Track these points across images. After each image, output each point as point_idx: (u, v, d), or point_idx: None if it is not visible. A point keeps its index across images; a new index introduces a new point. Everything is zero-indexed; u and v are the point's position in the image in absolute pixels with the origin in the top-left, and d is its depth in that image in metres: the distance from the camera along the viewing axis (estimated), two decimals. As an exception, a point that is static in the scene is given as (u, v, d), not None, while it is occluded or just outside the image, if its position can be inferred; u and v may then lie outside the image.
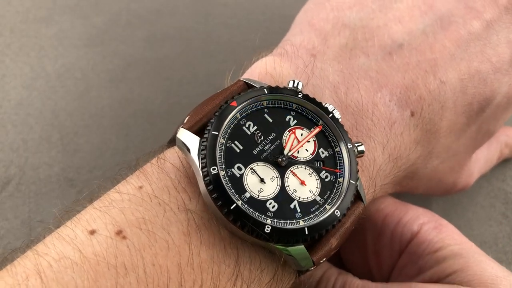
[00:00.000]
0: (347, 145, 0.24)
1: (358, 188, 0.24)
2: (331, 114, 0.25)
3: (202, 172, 0.22)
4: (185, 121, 0.23)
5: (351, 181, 0.24)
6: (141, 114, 0.43)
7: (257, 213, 0.22)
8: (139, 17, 0.49)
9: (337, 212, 0.23)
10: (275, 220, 0.22)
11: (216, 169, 0.22)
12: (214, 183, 0.21)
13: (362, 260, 0.33)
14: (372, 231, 0.32)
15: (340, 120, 0.25)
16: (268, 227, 0.21)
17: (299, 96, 0.25)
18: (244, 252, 0.22)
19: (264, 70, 0.27)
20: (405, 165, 0.29)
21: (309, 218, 0.23)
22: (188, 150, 0.22)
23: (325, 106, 0.25)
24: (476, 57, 0.29)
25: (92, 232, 0.19)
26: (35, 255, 0.19)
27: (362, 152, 0.25)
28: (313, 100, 0.25)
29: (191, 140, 0.23)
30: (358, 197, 0.24)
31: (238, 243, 0.22)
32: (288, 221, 0.22)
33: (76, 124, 0.42)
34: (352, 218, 0.24)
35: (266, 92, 0.25)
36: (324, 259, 0.23)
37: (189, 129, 0.23)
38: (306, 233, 0.22)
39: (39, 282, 0.18)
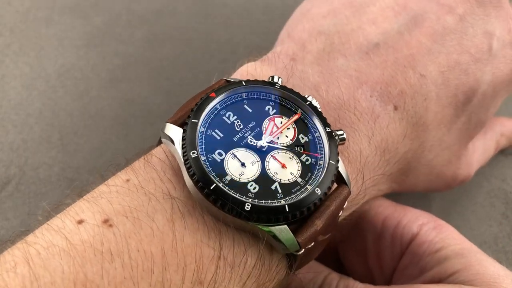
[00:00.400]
0: (325, 129, 0.25)
1: (340, 170, 0.24)
2: (309, 102, 0.26)
3: (183, 158, 0.22)
4: (171, 117, 0.24)
5: (330, 161, 0.24)
6: (141, 114, 0.43)
7: (238, 194, 0.22)
8: (139, 17, 0.49)
9: (317, 190, 0.23)
10: (256, 200, 0.22)
11: (196, 153, 0.23)
12: (194, 166, 0.22)
13: (363, 263, 0.33)
14: (372, 234, 0.32)
15: (318, 108, 0.26)
16: (248, 205, 0.22)
17: (276, 87, 0.26)
18: (228, 235, 0.22)
19: (246, 72, 0.28)
20: (394, 159, 0.29)
21: (290, 198, 0.23)
22: (172, 141, 0.23)
23: (303, 96, 0.26)
24: (454, 49, 0.30)
25: (80, 222, 0.20)
26: (24, 244, 0.19)
27: (342, 137, 0.25)
28: (291, 90, 0.26)
29: (174, 132, 0.24)
30: (342, 181, 0.25)
31: (221, 226, 0.22)
32: (270, 201, 0.22)
33: (76, 124, 0.42)
34: (337, 202, 0.24)
35: (244, 84, 0.26)
36: (312, 243, 0.23)
37: (173, 122, 0.24)
38: (287, 210, 0.22)
39: (27, 269, 0.18)
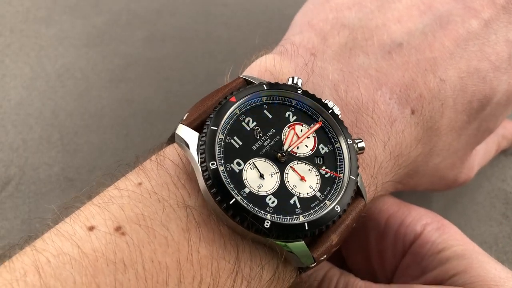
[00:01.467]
0: (347, 141, 0.24)
1: (358, 184, 0.24)
2: (331, 110, 0.25)
3: (201, 167, 0.22)
4: (184, 117, 0.23)
5: (351, 176, 0.24)
6: (141, 114, 0.43)
7: (256, 208, 0.22)
8: (139, 17, 0.49)
9: (337, 207, 0.23)
10: (275, 216, 0.22)
11: (215, 164, 0.22)
12: (213, 178, 0.21)
13: (365, 260, 0.33)
14: (375, 232, 0.32)
15: (340, 116, 0.25)
16: (267, 222, 0.21)
17: (298, 92, 0.25)
18: (245, 248, 0.22)
19: (264, 68, 0.27)
20: (406, 163, 0.29)
21: (309, 214, 0.22)
22: (187, 145, 0.22)
23: (324, 102, 0.25)
24: (475, 55, 0.29)
25: (91, 228, 0.19)
26: (34, 251, 0.19)
27: (362, 148, 0.25)
28: (312, 96, 0.25)
29: (190, 136, 0.23)
30: (358, 193, 0.24)
31: (238, 239, 0.22)
32: (288, 217, 0.22)
33: (76, 124, 0.42)
34: (353, 215, 0.24)
35: (266, 88, 0.25)
36: (325, 256, 0.23)
37: (188, 125, 0.23)
38: (306, 228, 0.22)
39: (37, 277, 0.18)
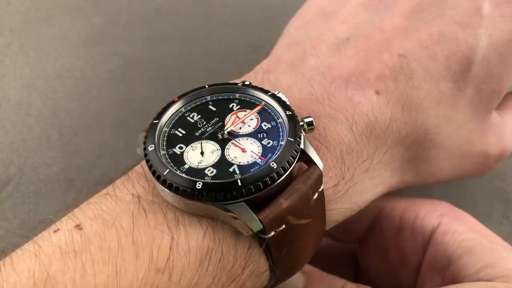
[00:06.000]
0: (285, 113, 0.25)
1: (306, 150, 0.24)
2: (270, 93, 0.26)
3: (144, 154, 0.23)
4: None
5: (288, 138, 0.24)
6: (141, 114, 0.43)
7: (193, 178, 0.22)
8: (139, 17, 0.49)
9: (273, 164, 0.22)
10: (210, 180, 0.22)
11: (154, 147, 0.23)
12: (151, 158, 0.23)
13: (384, 262, 0.32)
14: (391, 230, 0.31)
15: (282, 98, 0.26)
16: (199, 184, 0.21)
17: (239, 85, 0.26)
18: (185, 222, 0.22)
19: None
20: (386, 145, 0.28)
21: (246, 174, 0.22)
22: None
23: (267, 90, 0.26)
24: (435, 22, 0.29)
25: (56, 231, 0.22)
26: (5, 256, 0.21)
27: (311, 124, 0.25)
28: (254, 87, 0.26)
29: (140, 137, 0.25)
30: (312, 162, 0.24)
31: (179, 215, 0.22)
32: (224, 180, 0.22)
33: (76, 124, 0.42)
34: (308, 182, 0.23)
35: (207, 87, 0.26)
36: (279, 224, 0.22)
37: (144, 131, 0.25)
38: (239, 184, 0.21)
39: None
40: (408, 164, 0.30)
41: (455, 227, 0.28)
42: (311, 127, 0.25)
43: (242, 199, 0.22)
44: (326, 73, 0.28)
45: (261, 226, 0.21)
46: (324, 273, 0.29)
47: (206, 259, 0.21)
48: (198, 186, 0.21)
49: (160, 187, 0.22)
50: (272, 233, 0.22)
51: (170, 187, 0.22)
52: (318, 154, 0.24)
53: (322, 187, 0.24)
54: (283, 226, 0.22)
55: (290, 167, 0.23)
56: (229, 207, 0.21)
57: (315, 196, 0.23)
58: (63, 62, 0.46)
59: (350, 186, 0.27)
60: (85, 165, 0.40)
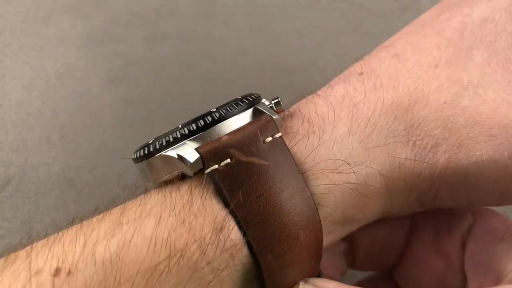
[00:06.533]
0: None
1: (258, 106, 0.23)
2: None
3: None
4: None
5: (238, 97, 0.24)
6: (141, 114, 0.43)
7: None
8: (139, 17, 0.49)
9: (214, 108, 0.22)
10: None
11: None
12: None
13: (427, 272, 0.29)
14: (428, 236, 0.29)
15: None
16: (150, 141, 0.23)
17: None
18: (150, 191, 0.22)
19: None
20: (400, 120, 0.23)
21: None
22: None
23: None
24: None
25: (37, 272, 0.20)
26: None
27: (277, 102, 0.24)
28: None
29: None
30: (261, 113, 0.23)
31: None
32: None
33: (76, 124, 0.42)
34: (256, 124, 0.22)
35: None
36: (226, 159, 0.20)
37: None
38: (179, 126, 0.22)
39: None
40: (433, 131, 0.25)
41: (490, 223, 0.26)
42: (280, 108, 0.24)
43: (185, 140, 0.21)
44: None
45: (198, 156, 0.21)
46: None
47: (166, 210, 0.20)
48: (150, 142, 0.23)
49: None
50: (216, 166, 0.20)
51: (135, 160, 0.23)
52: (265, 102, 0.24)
53: (279, 133, 0.22)
54: (228, 160, 0.20)
55: (231, 110, 0.22)
56: (170, 152, 0.21)
57: (269, 138, 0.22)
58: (63, 62, 0.46)
59: (321, 140, 0.23)
60: (85, 165, 0.40)
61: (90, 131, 0.42)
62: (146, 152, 0.23)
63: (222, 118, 0.22)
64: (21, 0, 0.49)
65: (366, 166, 0.22)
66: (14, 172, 0.39)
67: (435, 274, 0.29)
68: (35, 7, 0.49)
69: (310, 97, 0.26)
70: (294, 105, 0.26)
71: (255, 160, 0.21)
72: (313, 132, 0.23)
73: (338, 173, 0.22)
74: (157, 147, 0.22)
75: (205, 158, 0.20)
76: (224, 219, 0.20)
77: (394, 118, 0.23)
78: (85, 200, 0.38)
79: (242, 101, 0.23)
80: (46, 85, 0.44)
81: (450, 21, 0.26)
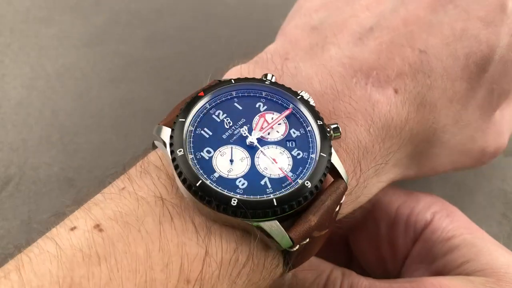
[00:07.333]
0: (317, 122, 0.24)
1: (335, 164, 0.24)
2: (300, 96, 0.25)
3: (171, 157, 0.22)
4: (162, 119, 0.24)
5: (321, 153, 0.23)
6: (141, 114, 0.43)
7: (225, 190, 0.22)
8: (139, 17, 0.49)
9: (307, 183, 0.22)
10: (244, 196, 0.22)
11: (182, 151, 0.22)
12: (180, 164, 0.22)
13: (375, 251, 0.32)
14: (385, 222, 0.31)
15: (313, 103, 0.25)
16: (234, 200, 0.21)
17: (266, 83, 0.25)
18: (217, 232, 0.22)
19: (239, 74, 0.27)
20: (397, 145, 0.27)
21: (279, 192, 0.22)
22: (164, 144, 0.23)
23: (297, 92, 0.25)
24: (459, 16, 0.27)
25: (73, 229, 0.20)
26: (20, 254, 0.20)
27: (337, 129, 0.24)
28: (282, 86, 0.25)
29: (164, 133, 0.23)
30: (338, 175, 0.24)
31: (210, 224, 0.22)
32: (258, 196, 0.22)
33: (76, 124, 0.42)
34: (334, 196, 0.23)
35: (233, 82, 0.25)
36: (306, 239, 0.22)
37: (165, 124, 0.24)
38: (275, 204, 0.21)
39: (17, 275, 0.19)
40: (412, 160, 0.29)
41: (445, 225, 0.29)
42: (337, 134, 0.24)
43: (275, 217, 0.22)
44: (347, 64, 0.27)
45: (291, 243, 0.22)
46: (312, 258, 0.29)
47: (237, 272, 0.21)
48: (233, 203, 0.21)
49: (187, 194, 0.22)
50: (297, 247, 0.22)
51: (202, 198, 0.21)
52: (339, 159, 0.24)
53: (343, 199, 0.24)
54: (307, 239, 0.22)
55: (322, 184, 0.23)
56: (261, 224, 0.21)
57: (338, 208, 0.24)
58: (63, 62, 0.46)
59: (362, 190, 0.27)
60: (85, 165, 0.40)
61: (90, 131, 0.42)
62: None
63: (313, 194, 0.22)
64: (21, 0, 0.49)
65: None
66: (14, 172, 0.39)
67: (380, 256, 0.32)
68: (35, 7, 0.49)
69: None
70: None
71: (324, 233, 0.23)
72: (357, 184, 0.26)
73: None
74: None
75: (294, 245, 0.22)
76: (279, 274, 0.24)
77: None
78: (85, 200, 0.38)
79: (328, 166, 0.23)
80: (46, 85, 0.44)
81: None
